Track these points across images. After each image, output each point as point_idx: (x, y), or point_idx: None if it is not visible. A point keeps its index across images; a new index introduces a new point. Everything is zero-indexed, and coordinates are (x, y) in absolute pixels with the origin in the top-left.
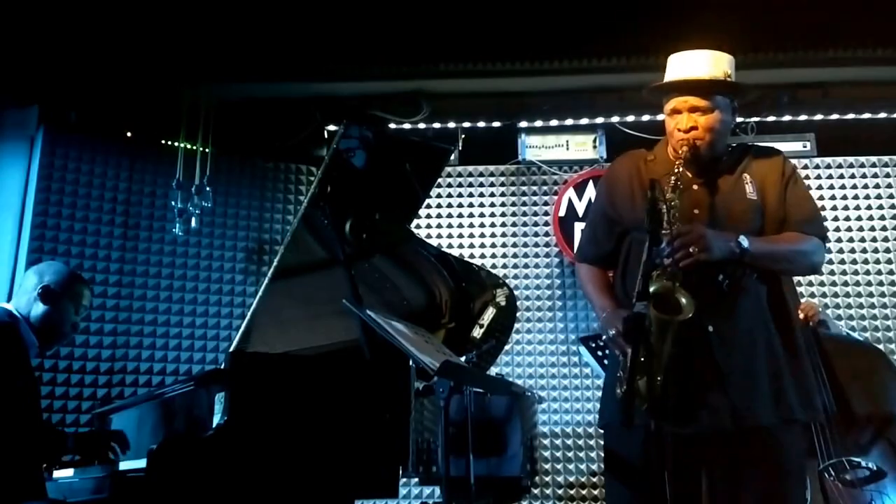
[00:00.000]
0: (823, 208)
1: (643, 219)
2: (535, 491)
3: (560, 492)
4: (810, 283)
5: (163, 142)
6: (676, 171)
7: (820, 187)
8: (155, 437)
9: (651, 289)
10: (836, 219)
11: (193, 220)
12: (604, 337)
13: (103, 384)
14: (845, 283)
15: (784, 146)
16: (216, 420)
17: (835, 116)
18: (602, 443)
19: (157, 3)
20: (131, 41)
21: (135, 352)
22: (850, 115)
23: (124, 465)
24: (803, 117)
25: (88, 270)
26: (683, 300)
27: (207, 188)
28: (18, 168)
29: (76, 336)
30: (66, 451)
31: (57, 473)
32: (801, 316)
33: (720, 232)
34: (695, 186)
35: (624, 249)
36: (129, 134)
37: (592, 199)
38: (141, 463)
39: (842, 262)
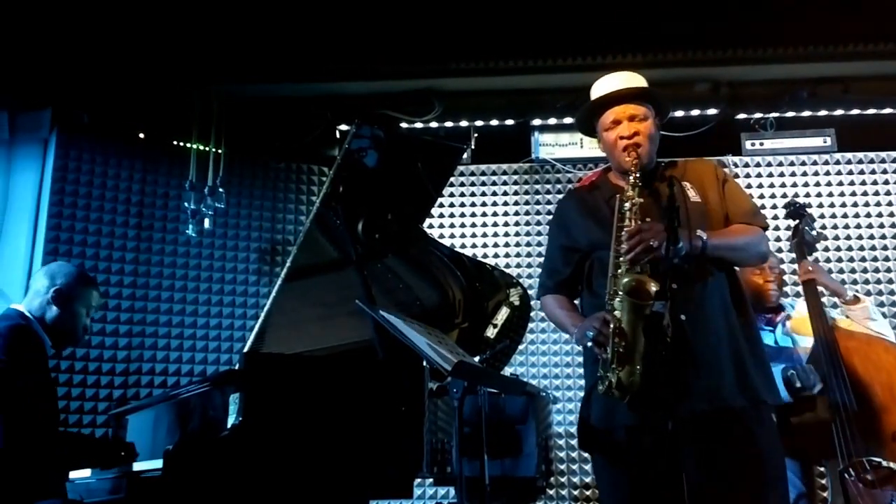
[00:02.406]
0: (844, 204)
1: (601, 239)
2: (551, 492)
3: (576, 493)
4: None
5: (175, 143)
6: (634, 172)
7: (840, 183)
8: (170, 438)
9: (624, 280)
10: (857, 215)
11: (206, 220)
12: (588, 344)
13: (119, 385)
14: (867, 282)
15: (804, 142)
16: (231, 420)
17: (855, 111)
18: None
19: (168, 5)
20: (142, 43)
21: (150, 352)
22: (871, 110)
23: (140, 466)
24: (823, 113)
25: (103, 272)
26: (654, 288)
27: (220, 189)
28: (32, 170)
29: (91, 337)
30: (84, 455)
31: (74, 474)
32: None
33: (679, 228)
34: (641, 198)
35: (585, 270)
36: (141, 135)
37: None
38: (157, 463)
39: (863, 259)
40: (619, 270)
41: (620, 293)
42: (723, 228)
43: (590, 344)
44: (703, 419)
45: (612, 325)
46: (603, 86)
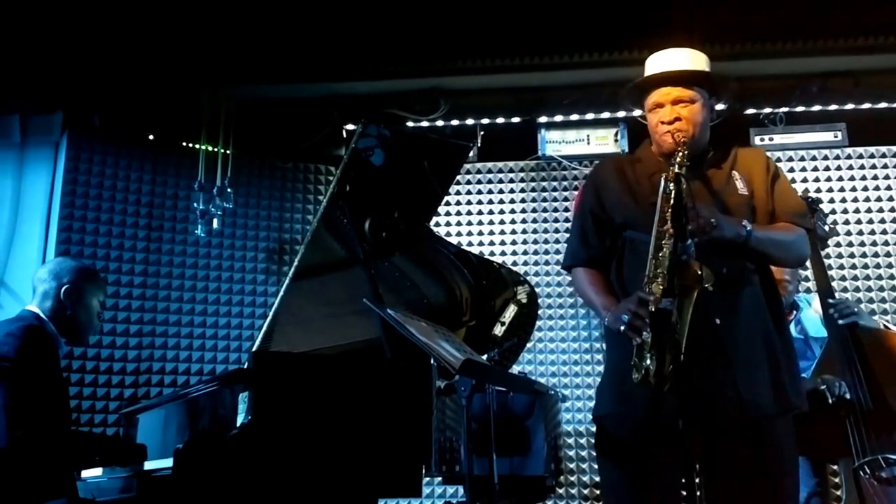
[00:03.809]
0: (856, 199)
1: (637, 218)
2: (560, 491)
3: (586, 492)
4: (843, 278)
5: (184, 144)
6: (679, 152)
7: (852, 178)
8: (181, 437)
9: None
10: (869, 210)
11: (215, 221)
12: (621, 328)
13: (129, 384)
14: (879, 277)
15: (814, 137)
16: (240, 419)
17: (866, 106)
18: None
19: (176, 7)
20: (151, 46)
21: (159, 352)
22: (883, 104)
23: (151, 465)
24: (834, 107)
25: (113, 272)
26: (700, 271)
27: (228, 189)
28: (44, 173)
29: (103, 337)
30: (94, 455)
31: (85, 473)
32: (834, 313)
33: (725, 216)
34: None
35: (617, 250)
36: (151, 137)
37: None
38: (167, 462)
39: (875, 254)
40: (661, 253)
41: (666, 274)
42: (767, 224)
43: (622, 328)
44: (734, 426)
45: (652, 308)
46: (654, 63)
